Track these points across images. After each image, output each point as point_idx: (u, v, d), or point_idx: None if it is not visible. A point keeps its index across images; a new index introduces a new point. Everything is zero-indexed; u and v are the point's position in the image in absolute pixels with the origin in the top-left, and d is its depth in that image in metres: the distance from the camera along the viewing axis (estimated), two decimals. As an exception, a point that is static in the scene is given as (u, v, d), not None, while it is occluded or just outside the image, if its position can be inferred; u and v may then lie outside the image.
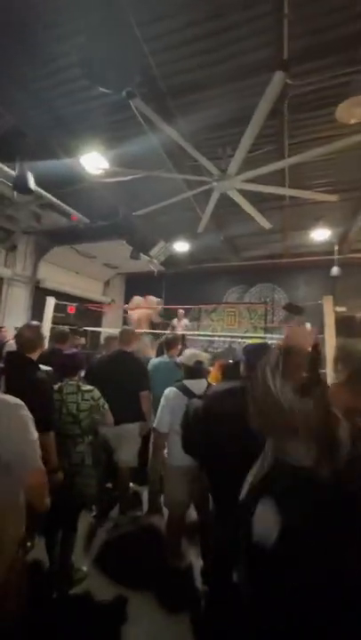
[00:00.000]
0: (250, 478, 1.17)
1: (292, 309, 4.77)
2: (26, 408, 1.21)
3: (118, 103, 3.37)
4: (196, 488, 2.26)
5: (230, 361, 2.53)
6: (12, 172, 4.14)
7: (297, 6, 2.37)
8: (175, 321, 7.44)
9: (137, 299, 7.31)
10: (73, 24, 2.59)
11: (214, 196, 3.93)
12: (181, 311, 7.39)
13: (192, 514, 2.45)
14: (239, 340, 7.04)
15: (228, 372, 2.25)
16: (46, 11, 2.52)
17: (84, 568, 2.28)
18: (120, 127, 3.82)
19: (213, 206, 4.18)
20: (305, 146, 3.83)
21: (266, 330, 8.77)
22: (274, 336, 7.75)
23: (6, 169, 4.20)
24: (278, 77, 2.28)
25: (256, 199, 4.49)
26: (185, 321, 7.56)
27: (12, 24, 2.65)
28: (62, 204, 5.37)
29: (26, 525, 1.38)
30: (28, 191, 4.04)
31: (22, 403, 1.22)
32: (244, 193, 3.88)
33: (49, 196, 5.03)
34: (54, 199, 5.18)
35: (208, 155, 3.45)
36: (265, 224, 4.54)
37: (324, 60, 2.81)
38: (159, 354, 3.47)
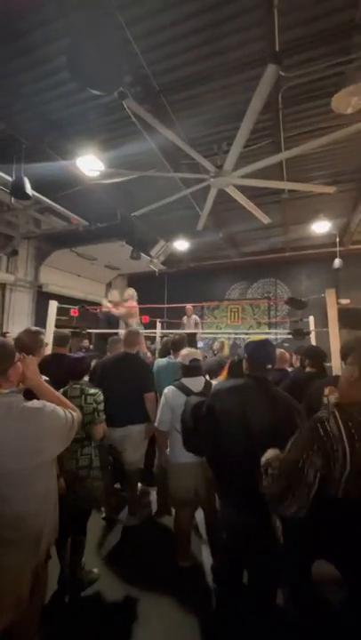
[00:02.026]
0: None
1: (295, 304, 4.72)
2: (48, 406, 1.37)
3: (111, 104, 3.36)
4: (200, 485, 2.25)
5: (235, 358, 2.51)
6: (9, 178, 4.14)
7: (287, -3, 2.34)
8: (185, 318, 6.96)
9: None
10: (60, 25, 2.58)
11: (212, 193, 3.90)
12: (190, 307, 6.86)
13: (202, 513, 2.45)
14: (243, 336, 6.99)
15: (233, 369, 2.24)
16: (33, 12, 2.51)
17: (96, 570, 2.28)
18: (114, 128, 3.80)
19: (212, 203, 4.15)
20: (301, 138, 3.79)
21: (270, 325, 8.73)
22: (278, 331, 7.72)
23: (2, 174, 4.20)
24: (271, 70, 2.24)
25: (254, 194, 4.46)
26: (195, 317, 7.00)
27: None
28: (61, 208, 5.37)
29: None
30: (25, 196, 4.04)
31: (43, 404, 1.37)
32: (241, 188, 3.85)
33: (47, 200, 5.03)
34: (52, 203, 5.18)
35: (203, 152, 3.43)
36: (264, 219, 4.50)
37: (317, 51, 2.77)
38: (165, 354, 3.45)
